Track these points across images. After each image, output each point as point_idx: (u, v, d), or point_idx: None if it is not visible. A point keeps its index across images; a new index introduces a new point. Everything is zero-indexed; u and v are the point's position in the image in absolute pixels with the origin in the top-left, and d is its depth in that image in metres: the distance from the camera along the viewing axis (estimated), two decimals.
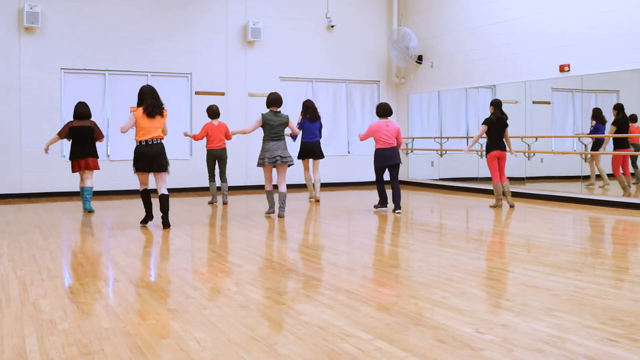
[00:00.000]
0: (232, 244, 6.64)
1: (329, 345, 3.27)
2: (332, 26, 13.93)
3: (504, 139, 9.56)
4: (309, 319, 3.72)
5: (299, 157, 10.62)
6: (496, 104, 9.59)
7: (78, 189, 10.19)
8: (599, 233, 7.85)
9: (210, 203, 10.52)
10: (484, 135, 9.59)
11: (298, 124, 10.35)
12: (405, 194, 12.64)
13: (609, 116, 10.56)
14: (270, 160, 8.40)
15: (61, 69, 11.80)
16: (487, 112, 10.11)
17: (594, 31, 10.00)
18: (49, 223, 8.22)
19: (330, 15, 13.92)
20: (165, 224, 7.56)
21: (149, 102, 7.40)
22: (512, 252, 5.95)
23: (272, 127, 8.46)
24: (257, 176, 13.07)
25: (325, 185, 13.74)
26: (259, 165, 8.53)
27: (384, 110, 9.26)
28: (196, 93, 12.82)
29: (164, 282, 4.79)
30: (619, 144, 10.17)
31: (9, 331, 3.53)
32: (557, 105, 11.94)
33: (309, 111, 10.55)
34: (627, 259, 5.70)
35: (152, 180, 7.99)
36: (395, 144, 9.15)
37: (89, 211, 9.23)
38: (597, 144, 10.63)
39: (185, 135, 10.59)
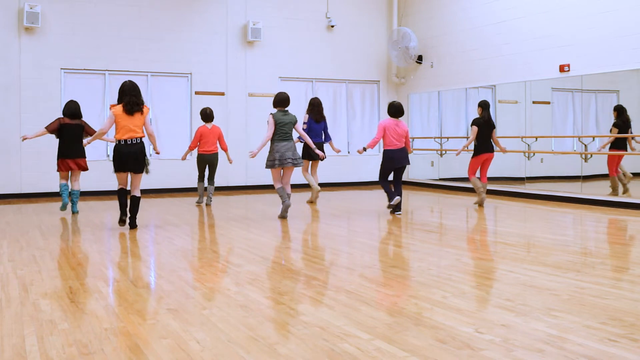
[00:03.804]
0: (232, 244, 6.64)
1: (329, 345, 3.26)
2: (332, 26, 13.93)
3: (491, 141, 9.58)
4: (309, 319, 3.72)
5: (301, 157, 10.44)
6: (484, 106, 9.55)
7: (76, 189, 10.11)
8: (599, 233, 7.85)
9: (198, 203, 10.31)
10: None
11: (304, 123, 10.11)
12: (405, 194, 12.64)
13: (606, 117, 10.57)
14: (281, 162, 8.24)
15: (61, 69, 11.80)
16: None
17: (594, 31, 10.00)
18: (49, 223, 8.22)
19: (330, 15, 13.91)
20: (132, 225, 7.51)
21: (128, 99, 7.20)
22: (512, 252, 5.94)
23: (281, 127, 8.30)
24: (256, 177, 13.07)
25: (324, 185, 13.74)
26: (268, 167, 8.33)
27: (396, 110, 8.73)
28: (196, 93, 12.81)
29: (164, 282, 4.79)
30: (617, 145, 10.07)
31: (9, 331, 3.53)
32: (557, 105, 11.93)
33: (314, 110, 10.25)
34: (627, 258, 5.70)
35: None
36: (404, 145, 8.78)
37: (73, 212, 9.07)
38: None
39: (184, 159, 10.35)
